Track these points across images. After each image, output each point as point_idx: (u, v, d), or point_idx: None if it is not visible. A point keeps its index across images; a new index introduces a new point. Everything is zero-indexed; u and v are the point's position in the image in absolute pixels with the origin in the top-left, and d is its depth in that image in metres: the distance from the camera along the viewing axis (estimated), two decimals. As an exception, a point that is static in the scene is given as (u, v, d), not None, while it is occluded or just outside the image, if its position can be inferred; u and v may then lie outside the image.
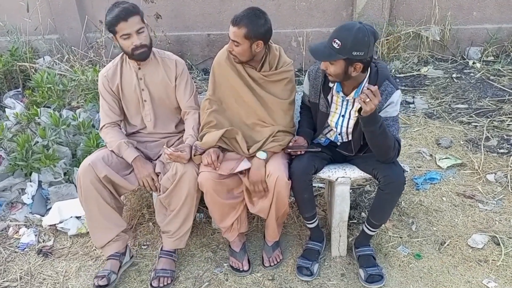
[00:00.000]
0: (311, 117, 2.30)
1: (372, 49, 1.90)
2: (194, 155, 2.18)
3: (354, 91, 2.05)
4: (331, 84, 2.10)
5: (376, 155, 2.05)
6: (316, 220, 2.29)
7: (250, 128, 2.28)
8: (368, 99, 1.83)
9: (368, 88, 1.84)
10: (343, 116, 2.15)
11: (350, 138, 2.21)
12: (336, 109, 2.16)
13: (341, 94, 2.09)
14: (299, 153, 2.14)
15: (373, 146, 2.03)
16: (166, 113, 2.40)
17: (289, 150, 2.15)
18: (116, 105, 2.35)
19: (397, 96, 2.02)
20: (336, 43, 1.87)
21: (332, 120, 2.19)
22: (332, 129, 2.25)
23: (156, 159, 2.39)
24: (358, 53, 1.86)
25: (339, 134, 2.23)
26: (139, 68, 2.28)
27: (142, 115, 2.37)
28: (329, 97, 2.15)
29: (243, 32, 2.04)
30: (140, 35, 2.15)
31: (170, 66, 2.32)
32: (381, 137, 1.96)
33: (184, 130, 2.40)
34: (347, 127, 2.16)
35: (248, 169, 2.17)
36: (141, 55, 2.20)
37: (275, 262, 2.30)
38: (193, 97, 2.38)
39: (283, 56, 2.26)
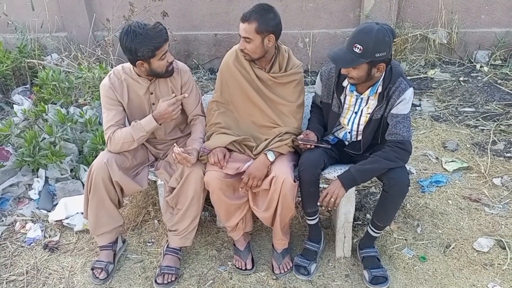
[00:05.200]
0: (322, 116, 2.30)
1: (392, 47, 1.91)
2: (201, 156, 2.19)
3: (370, 89, 2.05)
4: (344, 83, 2.10)
5: None
6: (317, 217, 2.28)
7: (258, 129, 2.28)
8: (330, 204, 2.02)
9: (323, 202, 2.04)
10: (355, 113, 2.15)
11: (360, 137, 2.21)
12: (349, 107, 2.17)
13: (355, 93, 2.10)
14: (308, 146, 2.13)
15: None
16: (175, 123, 2.38)
17: (299, 142, 2.14)
18: (125, 116, 2.27)
19: (409, 93, 2.02)
20: (358, 47, 1.87)
21: (345, 117, 2.19)
22: (342, 127, 2.25)
23: (162, 158, 2.41)
24: (380, 54, 1.87)
25: (349, 133, 2.23)
26: (151, 83, 2.24)
27: None
28: (342, 97, 2.15)
29: (254, 26, 2.04)
30: (169, 50, 2.14)
31: (175, 76, 2.27)
32: (372, 175, 2.07)
33: (189, 132, 2.40)
34: (359, 124, 2.16)
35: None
36: (172, 70, 2.20)
37: (285, 270, 2.28)
38: (199, 105, 2.37)
39: (293, 58, 2.26)
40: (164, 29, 2.06)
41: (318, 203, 2.07)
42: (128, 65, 2.22)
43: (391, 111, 2.04)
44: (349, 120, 2.18)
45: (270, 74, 2.22)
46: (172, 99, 2.19)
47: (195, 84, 2.37)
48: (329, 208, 2.05)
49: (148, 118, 2.19)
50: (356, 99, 2.12)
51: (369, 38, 1.85)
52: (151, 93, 2.26)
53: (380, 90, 2.05)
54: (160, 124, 2.22)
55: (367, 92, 2.07)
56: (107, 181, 2.17)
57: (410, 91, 2.02)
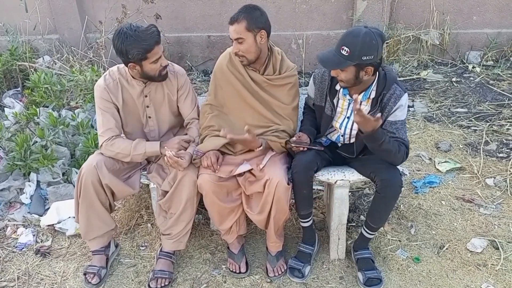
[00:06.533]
0: (315, 118, 2.30)
1: (381, 51, 1.91)
2: (194, 160, 2.18)
3: (362, 94, 2.05)
4: (337, 87, 2.11)
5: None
6: (310, 219, 2.28)
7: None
8: (367, 122, 1.86)
9: (373, 116, 1.86)
10: (348, 117, 2.16)
11: (353, 140, 2.21)
12: (342, 111, 2.17)
13: (348, 97, 2.10)
14: (301, 149, 2.13)
15: (376, 154, 2.05)
16: (169, 125, 2.37)
17: (292, 145, 2.14)
18: (119, 119, 2.25)
19: (405, 99, 2.03)
20: (345, 50, 1.88)
21: (337, 121, 2.20)
22: (334, 130, 2.26)
23: (155, 162, 2.39)
24: (367, 57, 1.88)
25: (342, 136, 2.23)
26: (145, 86, 2.22)
27: (145, 130, 2.33)
28: (335, 100, 2.16)
29: (244, 25, 2.04)
30: (163, 54, 2.11)
31: (171, 80, 2.27)
32: (383, 152, 1.98)
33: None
34: (351, 129, 2.17)
35: (247, 171, 2.17)
36: (166, 74, 2.17)
37: (279, 272, 2.28)
38: (195, 108, 2.36)
39: (286, 60, 2.25)
40: (156, 31, 2.04)
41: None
42: (123, 66, 2.21)
43: (389, 119, 2.04)
44: (341, 124, 2.19)
45: (265, 76, 2.21)
46: (186, 138, 2.24)
47: (191, 88, 2.36)
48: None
49: (155, 142, 2.20)
50: (349, 104, 2.13)
51: (356, 41, 1.86)
52: (145, 96, 2.24)
53: (373, 95, 2.05)
54: (161, 153, 2.19)
55: (360, 96, 2.07)
56: (97, 184, 2.15)
57: (405, 97, 2.03)
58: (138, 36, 1.99)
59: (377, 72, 2.03)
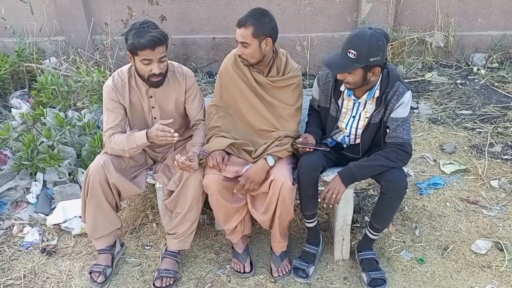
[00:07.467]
0: (320, 119, 2.31)
1: (386, 51, 1.92)
2: (200, 160, 2.19)
3: (367, 94, 2.06)
4: (342, 88, 2.12)
5: None
6: (315, 220, 2.29)
7: (256, 133, 2.28)
8: (332, 201, 2.04)
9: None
10: (353, 117, 2.17)
11: (358, 141, 2.22)
12: (347, 111, 2.17)
13: (353, 97, 2.11)
14: (307, 150, 2.14)
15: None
16: (175, 126, 2.36)
17: (298, 146, 2.15)
18: (126, 119, 2.26)
19: (408, 96, 2.03)
20: (352, 53, 1.88)
21: (343, 121, 2.21)
22: (340, 130, 2.26)
23: (161, 161, 2.41)
24: (375, 58, 1.89)
25: (347, 136, 2.24)
26: (150, 87, 2.23)
27: None
28: (339, 101, 2.16)
29: (251, 31, 2.04)
30: (161, 63, 2.09)
31: (180, 81, 2.28)
32: (371, 172, 2.06)
33: (189, 136, 2.41)
34: (357, 128, 2.18)
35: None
36: (156, 83, 2.15)
37: (284, 272, 2.28)
38: (202, 110, 2.37)
39: (291, 62, 2.26)
40: (155, 38, 2.01)
41: (320, 199, 2.07)
42: (132, 66, 2.22)
43: (391, 115, 2.05)
44: (347, 124, 2.19)
45: (268, 78, 2.22)
46: (165, 123, 2.10)
47: (198, 90, 2.37)
48: (330, 205, 2.06)
49: (142, 133, 2.15)
50: (354, 103, 2.14)
51: (362, 43, 1.87)
52: (150, 97, 2.26)
53: (377, 94, 2.06)
54: (151, 143, 2.16)
55: (365, 96, 2.08)
56: (104, 183, 2.17)
57: (408, 94, 2.03)
58: (139, 31, 2.02)
59: None
